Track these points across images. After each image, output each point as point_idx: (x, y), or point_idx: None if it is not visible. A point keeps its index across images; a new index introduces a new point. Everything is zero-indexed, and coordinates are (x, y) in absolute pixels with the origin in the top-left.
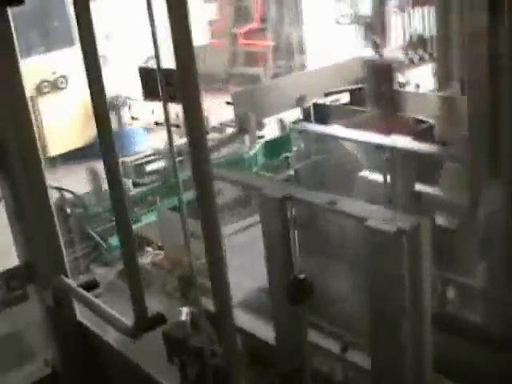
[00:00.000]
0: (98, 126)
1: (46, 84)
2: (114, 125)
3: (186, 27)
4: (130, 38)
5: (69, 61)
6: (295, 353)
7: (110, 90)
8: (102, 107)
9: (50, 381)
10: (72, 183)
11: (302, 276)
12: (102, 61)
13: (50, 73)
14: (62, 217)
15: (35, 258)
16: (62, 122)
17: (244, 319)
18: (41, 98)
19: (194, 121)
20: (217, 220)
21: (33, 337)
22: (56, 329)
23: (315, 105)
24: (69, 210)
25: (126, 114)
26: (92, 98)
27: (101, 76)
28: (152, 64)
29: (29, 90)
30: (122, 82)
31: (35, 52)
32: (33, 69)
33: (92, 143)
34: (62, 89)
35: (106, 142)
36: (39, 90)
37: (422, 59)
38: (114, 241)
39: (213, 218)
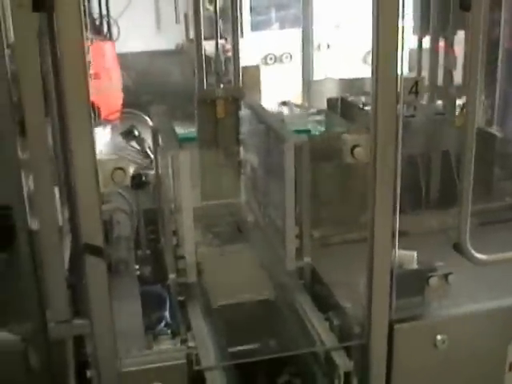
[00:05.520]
0: None
1: (271, 56)
2: None
3: None
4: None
5: (296, 40)
6: None
7: None
8: None
9: None
10: None
11: None
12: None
13: (277, 47)
14: None
15: None
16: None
17: None
18: (265, 67)
19: None
20: None
21: None
22: None
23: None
24: None
25: None
26: None
27: None
28: None
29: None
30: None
31: (270, 27)
32: (263, 41)
33: None
34: (285, 63)
35: None
36: (265, 60)
37: None
38: None
39: None
